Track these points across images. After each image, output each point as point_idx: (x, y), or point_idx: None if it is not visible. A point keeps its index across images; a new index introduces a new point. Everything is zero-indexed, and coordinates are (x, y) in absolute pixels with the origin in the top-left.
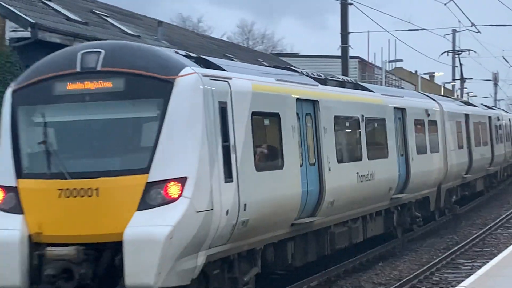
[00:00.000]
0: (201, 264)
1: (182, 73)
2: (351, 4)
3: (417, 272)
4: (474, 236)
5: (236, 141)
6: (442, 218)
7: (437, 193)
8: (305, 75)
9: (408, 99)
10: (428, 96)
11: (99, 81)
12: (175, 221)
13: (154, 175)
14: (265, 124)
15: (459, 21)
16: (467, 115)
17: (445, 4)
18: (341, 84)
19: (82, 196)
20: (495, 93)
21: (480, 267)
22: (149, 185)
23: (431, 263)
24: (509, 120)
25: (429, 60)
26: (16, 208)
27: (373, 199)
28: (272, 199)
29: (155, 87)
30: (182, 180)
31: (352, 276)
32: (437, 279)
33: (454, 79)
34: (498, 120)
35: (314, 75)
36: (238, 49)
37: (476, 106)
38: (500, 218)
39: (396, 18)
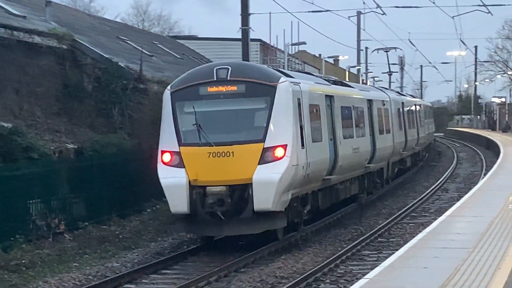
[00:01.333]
0: (289, 199)
1: (280, 81)
2: None
3: (321, 265)
4: (379, 227)
5: (304, 122)
6: (347, 208)
7: (387, 165)
8: (323, 78)
9: (372, 93)
10: (378, 88)
11: (228, 86)
12: (283, 170)
13: (267, 143)
14: (314, 112)
15: (364, 3)
16: (403, 103)
17: None
18: (340, 83)
19: (223, 157)
20: (401, 78)
21: (386, 258)
22: (265, 150)
23: (336, 255)
24: (423, 106)
25: (333, 43)
26: (180, 164)
27: (358, 166)
28: (318, 161)
29: (264, 89)
30: (284, 146)
31: (253, 270)
32: (342, 271)
33: (359, 63)
34: (420, 107)
35: (326, 78)
36: (133, 30)
37: (405, 95)
38: (406, 208)
39: None
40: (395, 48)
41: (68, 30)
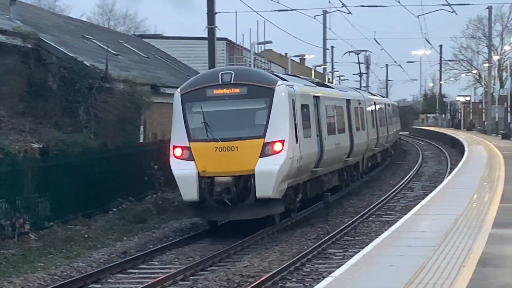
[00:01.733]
0: (285, 188)
1: (277, 84)
2: None
3: (287, 263)
4: (345, 225)
5: (297, 120)
6: (314, 207)
7: (362, 160)
8: (309, 81)
9: (349, 93)
10: (353, 89)
11: (232, 89)
12: (281, 162)
13: (267, 139)
14: (305, 111)
15: (329, 2)
16: (375, 103)
17: None
18: (322, 85)
19: (228, 151)
20: (367, 77)
21: (352, 256)
22: (265, 144)
23: (302, 254)
24: (390, 105)
25: (299, 42)
26: (190, 157)
27: (339, 160)
28: (309, 154)
29: (264, 91)
30: (282, 141)
31: (219, 269)
32: (308, 270)
33: (325, 62)
34: (389, 106)
35: (311, 80)
36: (99, 29)
37: (376, 95)
38: (372, 206)
39: None
40: (365, 50)
41: (33, 29)
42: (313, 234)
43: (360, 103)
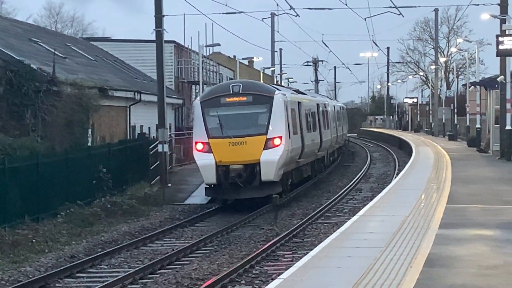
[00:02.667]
0: (282, 173)
1: (275, 93)
2: None
3: (236, 266)
4: (294, 227)
5: (289, 121)
6: (263, 209)
7: (327, 154)
8: (292, 89)
9: (318, 98)
10: (319, 94)
11: (240, 97)
12: (280, 153)
13: (269, 135)
14: (293, 113)
15: (277, 4)
16: (334, 106)
17: None
18: (299, 92)
19: (239, 145)
20: (316, 79)
21: (300, 258)
22: (267, 140)
23: (251, 256)
24: (340, 107)
25: (248, 44)
26: (209, 150)
27: (312, 153)
28: (296, 147)
29: (265, 99)
30: (280, 137)
31: (168, 272)
32: (257, 272)
33: (273, 64)
34: (342, 109)
35: (293, 89)
36: (46, 32)
37: (332, 100)
38: (320, 208)
39: (213, 0)
40: (322, 61)
41: None
42: (262, 236)
43: (325, 106)
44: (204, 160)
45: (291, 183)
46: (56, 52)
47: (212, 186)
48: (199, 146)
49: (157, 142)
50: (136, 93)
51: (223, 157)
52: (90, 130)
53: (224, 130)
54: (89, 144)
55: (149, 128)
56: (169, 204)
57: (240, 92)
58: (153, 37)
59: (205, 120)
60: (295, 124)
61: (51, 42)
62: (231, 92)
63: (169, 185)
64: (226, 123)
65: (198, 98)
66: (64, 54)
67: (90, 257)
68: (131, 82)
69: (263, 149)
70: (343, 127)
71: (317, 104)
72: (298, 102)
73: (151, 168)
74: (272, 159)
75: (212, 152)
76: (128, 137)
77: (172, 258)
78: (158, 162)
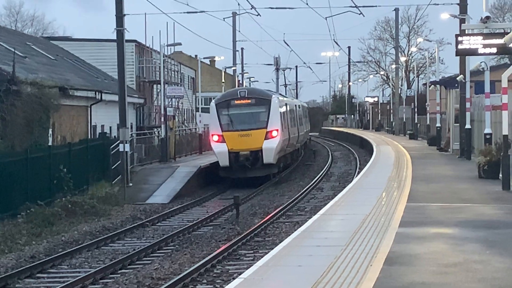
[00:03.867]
0: (278, 158)
1: (272, 96)
2: None
3: (197, 265)
4: (256, 226)
5: (282, 118)
6: (224, 209)
7: (300, 146)
8: (280, 94)
9: (295, 100)
10: (281, 95)
11: (246, 100)
12: (277, 142)
13: (268, 128)
14: (283, 111)
15: (238, 4)
16: (303, 106)
17: None
18: (283, 96)
19: (246, 136)
20: (277, 79)
21: (262, 257)
22: (267, 132)
23: (212, 255)
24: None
25: (209, 44)
26: (223, 141)
27: (293, 145)
28: (286, 139)
29: (265, 101)
30: (277, 130)
31: (130, 272)
32: (218, 271)
33: (235, 64)
34: (304, 108)
35: (280, 93)
36: (5, 31)
37: (293, 99)
38: (282, 207)
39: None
40: (290, 68)
41: None
42: (223, 235)
43: (300, 107)
44: (220, 148)
45: (282, 166)
46: (15, 51)
47: (226, 167)
48: (215, 137)
49: (118, 141)
50: (97, 93)
51: (234, 146)
52: (50, 130)
53: (234, 125)
54: (50, 143)
55: (110, 127)
56: (130, 204)
57: (246, 96)
58: (114, 36)
59: (219, 118)
60: (285, 120)
61: (11, 41)
62: (239, 96)
63: (131, 184)
64: (236, 120)
65: (214, 101)
66: (24, 53)
67: (51, 257)
68: (92, 81)
69: (264, 139)
70: (305, 125)
71: (295, 105)
72: (286, 104)
73: (113, 167)
74: (271, 147)
75: (225, 142)
76: (89, 136)
77: (133, 258)
78: (119, 162)
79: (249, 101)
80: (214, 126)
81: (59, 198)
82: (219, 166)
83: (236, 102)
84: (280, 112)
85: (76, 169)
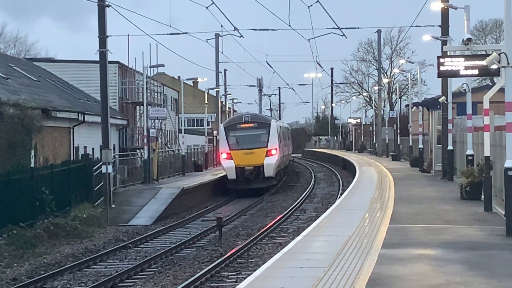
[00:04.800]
0: (276, 172)
1: (271, 121)
2: (108, 6)
3: (180, 287)
4: (239, 248)
5: (279, 138)
6: (207, 230)
7: (288, 163)
8: (273, 118)
9: (283, 123)
10: (267, 116)
11: (249, 124)
12: (276, 159)
13: (268, 147)
14: (279, 133)
15: (221, 26)
16: (288, 127)
17: (207, 8)
18: (276, 119)
19: (250, 154)
20: (260, 100)
21: (245, 279)
22: (268, 150)
23: (195, 277)
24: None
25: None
26: (230, 158)
27: (284, 162)
28: (282, 156)
29: (265, 124)
30: (276, 148)
31: None
32: None
33: (217, 85)
34: (287, 130)
35: (274, 117)
36: None
37: (277, 120)
38: (265, 228)
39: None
40: (274, 94)
41: None
42: (206, 257)
43: (287, 128)
44: (228, 164)
45: (279, 179)
46: None
47: (233, 180)
48: (224, 155)
49: (101, 163)
50: (79, 114)
51: (240, 162)
52: (33, 151)
53: (240, 145)
54: (32, 165)
55: (93, 149)
56: (113, 225)
57: (249, 120)
58: (97, 57)
59: (227, 138)
60: (281, 140)
61: None
62: (243, 121)
63: (113, 206)
64: (241, 140)
65: (222, 124)
66: (6, 75)
67: (33, 279)
68: (74, 102)
69: (265, 156)
70: (289, 147)
71: (285, 128)
72: (280, 126)
73: (95, 189)
74: (271, 163)
75: (232, 159)
76: (72, 158)
77: (116, 280)
78: (102, 183)
79: (252, 124)
80: (223, 145)
81: (42, 220)
82: (227, 179)
83: (241, 125)
84: (278, 133)
85: (58, 190)
